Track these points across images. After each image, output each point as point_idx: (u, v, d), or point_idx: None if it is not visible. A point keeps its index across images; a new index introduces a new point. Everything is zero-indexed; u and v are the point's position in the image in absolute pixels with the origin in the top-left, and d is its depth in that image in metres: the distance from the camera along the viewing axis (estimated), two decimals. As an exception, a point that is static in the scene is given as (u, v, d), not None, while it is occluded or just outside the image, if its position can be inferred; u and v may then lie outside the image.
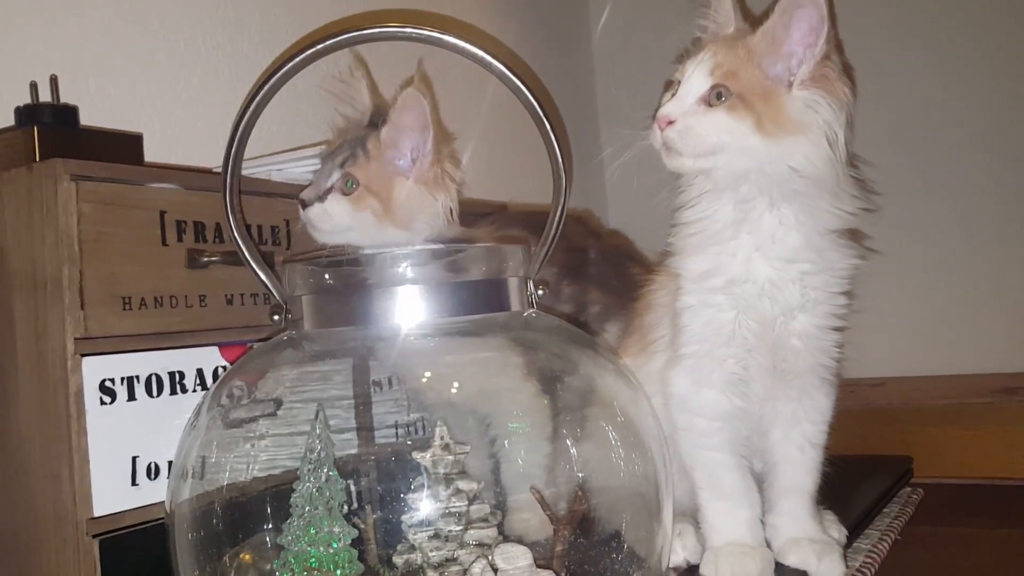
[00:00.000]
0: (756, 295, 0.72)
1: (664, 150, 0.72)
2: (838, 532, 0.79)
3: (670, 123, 0.70)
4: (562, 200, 0.64)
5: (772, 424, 0.75)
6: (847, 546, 0.80)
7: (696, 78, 0.71)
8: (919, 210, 1.48)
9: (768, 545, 0.74)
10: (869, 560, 0.79)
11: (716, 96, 0.70)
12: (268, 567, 0.67)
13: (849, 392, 1.26)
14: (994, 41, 1.45)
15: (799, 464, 0.75)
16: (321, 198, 0.78)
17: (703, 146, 0.70)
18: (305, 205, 0.78)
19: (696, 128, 0.70)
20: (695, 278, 0.74)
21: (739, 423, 0.74)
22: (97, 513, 0.67)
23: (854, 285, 0.75)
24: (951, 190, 1.46)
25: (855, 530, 0.84)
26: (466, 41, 0.60)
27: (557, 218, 0.65)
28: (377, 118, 0.83)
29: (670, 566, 0.73)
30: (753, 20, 0.77)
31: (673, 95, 0.72)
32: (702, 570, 0.72)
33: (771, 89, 0.70)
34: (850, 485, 0.96)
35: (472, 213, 0.90)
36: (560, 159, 0.63)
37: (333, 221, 0.78)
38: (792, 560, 0.72)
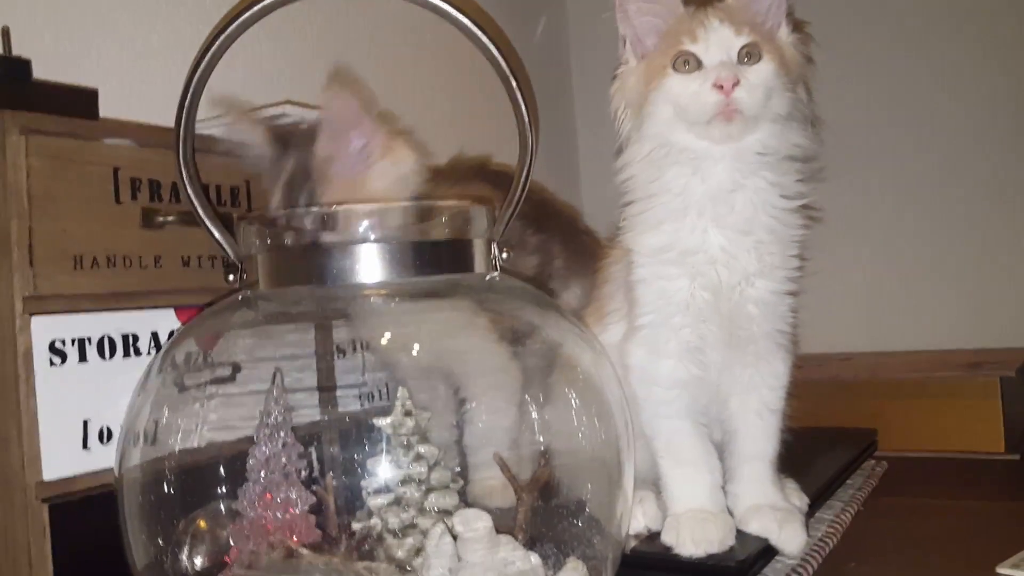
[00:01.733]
0: (709, 264, 0.72)
1: (720, 119, 0.69)
2: (800, 500, 0.79)
3: (736, 84, 0.68)
4: (528, 159, 0.63)
5: (730, 391, 0.75)
6: (810, 516, 0.80)
7: (726, 39, 0.70)
8: (886, 184, 1.49)
9: (730, 513, 0.74)
10: (831, 530, 0.79)
11: (747, 55, 0.70)
12: (224, 533, 0.66)
13: (817, 366, 1.27)
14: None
15: (758, 430, 0.75)
16: None
17: (765, 100, 0.70)
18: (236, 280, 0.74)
19: (759, 82, 0.69)
20: (649, 251, 0.74)
21: (697, 391, 0.74)
22: (47, 477, 0.66)
23: (806, 250, 0.75)
24: (919, 163, 1.46)
25: (818, 500, 0.85)
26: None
27: (523, 178, 0.64)
28: (284, 139, 0.79)
29: (631, 533, 0.73)
30: None
31: (692, 67, 0.71)
32: (663, 537, 0.72)
33: (776, 40, 0.73)
34: (815, 456, 0.96)
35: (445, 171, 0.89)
36: (527, 117, 0.62)
37: None
38: (754, 527, 0.72)
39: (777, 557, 0.72)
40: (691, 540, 0.69)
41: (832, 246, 1.40)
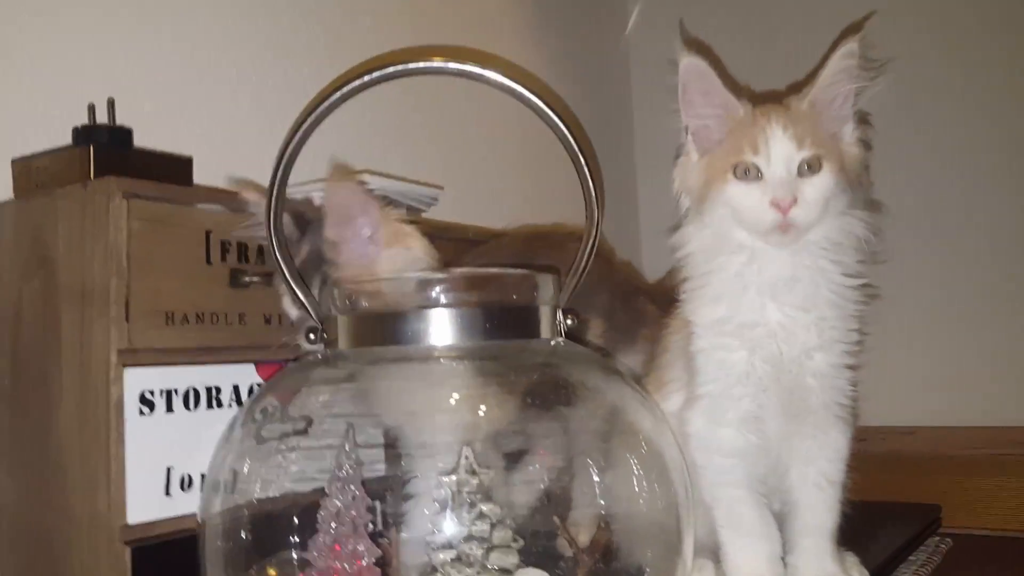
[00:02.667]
0: (768, 337, 0.73)
1: (777, 232, 0.71)
2: (859, 573, 0.78)
3: (793, 203, 0.70)
4: (594, 232, 0.66)
5: (789, 462, 0.76)
6: (869, 591, 0.79)
7: (788, 152, 0.71)
8: (951, 260, 1.48)
9: (789, 584, 0.74)
10: (893, 606, 0.78)
11: (808, 166, 0.71)
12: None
13: (880, 439, 1.26)
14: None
15: (817, 502, 0.75)
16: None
17: (819, 214, 0.71)
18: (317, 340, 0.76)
19: (817, 198, 0.71)
20: (707, 325, 0.75)
21: (756, 460, 0.75)
22: (131, 521, 0.69)
23: (865, 324, 0.76)
24: (985, 241, 1.46)
25: (878, 575, 0.83)
26: (504, 76, 0.63)
27: (588, 249, 0.67)
28: (302, 223, 0.80)
29: (690, 600, 0.73)
30: (738, 85, 0.79)
31: (753, 176, 0.72)
32: (718, 604, 0.72)
33: (839, 144, 0.74)
34: (877, 531, 0.95)
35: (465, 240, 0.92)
36: (593, 191, 0.65)
37: None
38: (813, 599, 0.72)
39: (837, 630, 0.72)
40: (750, 609, 0.69)
41: (896, 319, 1.41)
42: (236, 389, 0.77)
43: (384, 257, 0.78)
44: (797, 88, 0.77)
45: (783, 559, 0.75)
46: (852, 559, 0.80)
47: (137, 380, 0.70)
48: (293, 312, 0.78)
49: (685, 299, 0.77)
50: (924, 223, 1.48)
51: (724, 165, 0.73)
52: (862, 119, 0.77)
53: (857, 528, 0.81)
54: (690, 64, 0.74)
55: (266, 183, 0.83)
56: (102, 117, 0.82)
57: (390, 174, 0.96)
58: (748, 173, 0.72)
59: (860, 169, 0.75)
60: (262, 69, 1.07)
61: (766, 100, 0.77)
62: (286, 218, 0.79)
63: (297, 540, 0.67)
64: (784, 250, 0.72)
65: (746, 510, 0.74)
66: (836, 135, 0.74)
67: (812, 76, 0.76)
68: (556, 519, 0.71)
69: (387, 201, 0.85)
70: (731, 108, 0.75)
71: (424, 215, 1.02)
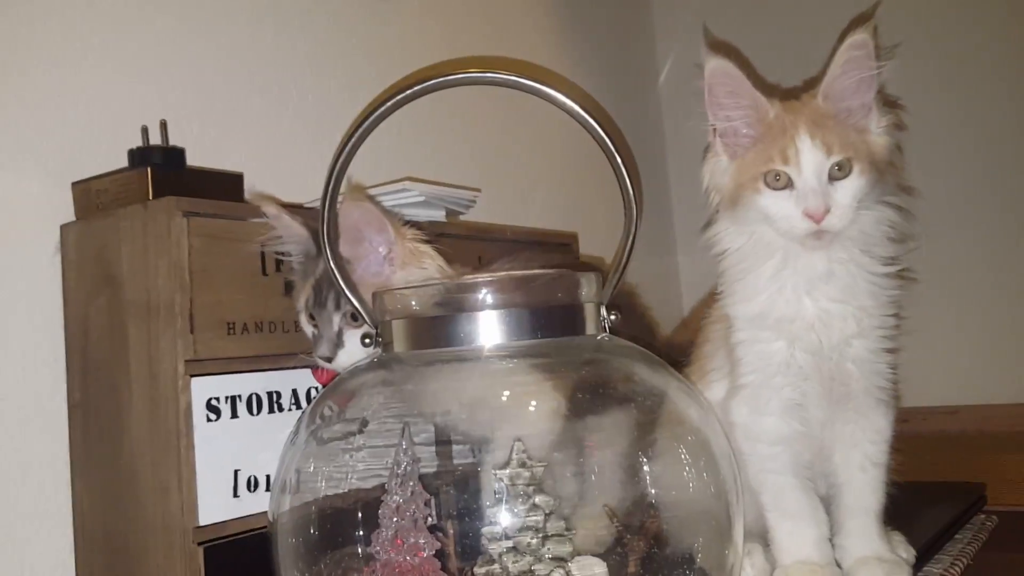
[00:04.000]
0: (806, 329, 0.74)
1: (811, 238, 0.72)
2: (906, 552, 0.80)
3: (827, 212, 0.71)
4: (633, 227, 0.68)
5: (833, 446, 0.77)
6: (917, 569, 0.80)
7: (817, 161, 0.72)
8: (995, 238, 1.48)
9: (838, 565, 0.76)
10: (940, 584, 0.79)
11: (838, 169, 0.72)
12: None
13: (922, 419, 1.26)
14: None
15: (862, 484, 0.77)
16: (339, 345, 0.79)
17: (851, 216, 0.72)
18: (331, 360, 0.79)
19: (849, 203, 0.72)
20: (742, 316, 0.77)
21: (800, 447, 0.77)
22: (202, 522, 0.73)
23: (902, 308, 0.77)
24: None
25: (926, 554, 0.85)
26: (544, 84, 0.65)
27: (628, 247, 0.69)
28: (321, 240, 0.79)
29: (740, 583, 0.75)
30: (765, 85, 0.80)
31: (783, 183, 0.73)
32: (772, 588, 0.74)
33: (865, 137, 0.74)
34: (921, 510, 0.96)
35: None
36: (632, 192, 0.67)
37: (361, 354, 0.76)
38: (861, 579, 0.74)
39: (886, 609, 0.73)
40: (799, 591, 0.71)
41: (937, 299, 1.41)
42: (295, 393, 0.81)
43: (399, 276, 0.80)
44: (813, 83, 0.77)
45: (830, 541, 0.77)
46: (899, 538, 0.81)
47: (203, 388, 0.74)
48: (309, 329, 0.80)
49: (723, 293, 0.79)
50: (962, 201, 1.48)
51: (755, 172, 0.74)
52: (890, 103, 0.77)
53: (903, 508, 0.82)
54: (716, 66, 0.74)
55: (306, 196, 0.87)
56: (155, 138, 0.86)
57: (429, 180, 0.99)
58: (779, 180, 0.73)
59: (890, 156, 0.75)
60: (302, 85, 1.11)
61: (787, 97, 0.78)
62: (305, 233, 0.80)
63: (361, 535, 0.71)
64: (817, 251, 0.74)
65: (792, 495, 0.76)
66: (861, 128, 0.74)
67: (824, 71, 0.76)
68: (606, 508, 0.73)
69: (404, 220, 0.86)
70: (760, 108, 0.75)
71: (462, 217, 1.04)
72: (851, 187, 0.72)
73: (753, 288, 0.76)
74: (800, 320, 0.74)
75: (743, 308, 0.77)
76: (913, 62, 1.42)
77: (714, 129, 0.78)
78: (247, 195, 0.87)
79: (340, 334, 0.78)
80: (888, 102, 0.77)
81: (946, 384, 1.44)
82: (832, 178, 0.72)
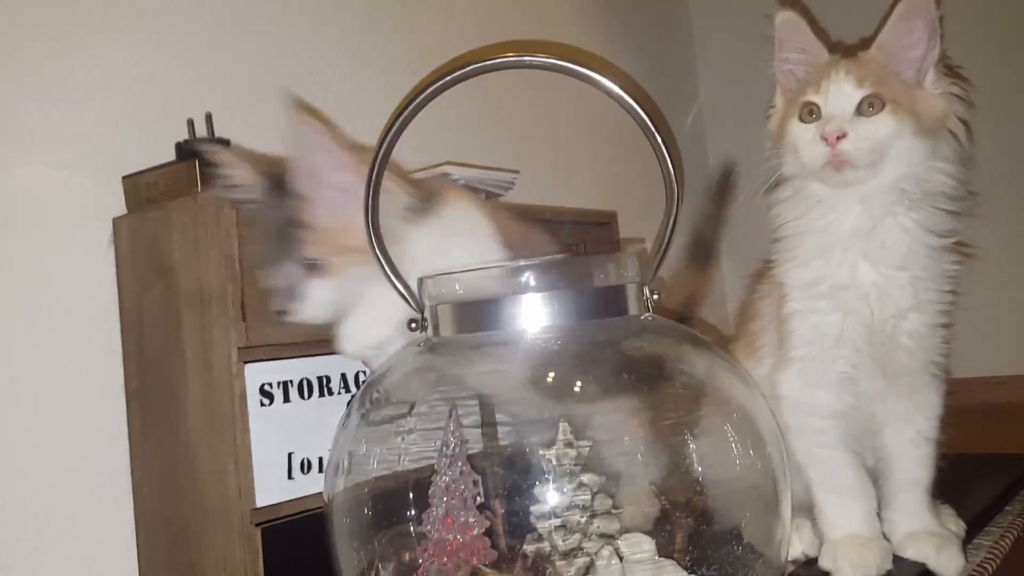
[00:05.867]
0: (861, 299, 0.74)
1: (830, 168, 0.73)
2: (956, 526, 0.80)
3: (841, 137, 0.72)
4: (675, 211, 0.68)
5: (884, 421, 0.77)
6: (967, 541, 0.80)
7: (845, 91, 0.73)
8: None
9: (886, 539, 0.76)
10: (990, 556, 0.79)
11: (869, 106, 0.72)
12: (411, 553, 0.73)
13: (969, 391, 1.24)
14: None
15: (913, 459, 0.77)
16: (299, 297, 0.74)
17: (876, 153, 0.72)
18: (291, 315, 0.74)
19: (871, 136, 0.72)
20: (799, 286, 0.77)
21: (851, 421, 0.77)
22: (259, 504, 0.75)
23: (959, 284, 0.76)
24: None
25: (975, 526, 0.84)
26: (584, 67, 0.65)
27: (671, 227, 0.69)
28: (275, 181, 0.75)
29: (789, 559, 0.76)
30: (831, 43, 0.80)
31: (815, 116, 0.74)
32: (821, 562, 0.74)
33: (913, 91, 0.73)
34: (970, 483, 0.95)
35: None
36: (673, 173, 0.67)
37: (327, 306, 0.74)
38: (911, 553, 0.74)
39: (936, 581, 0.74)
40: (849, 565, 0.72)
41: (983, 268, 1.38)
42: (344, 377, 0.82)
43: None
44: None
45: (879, 515, 0.77)
46: (948, 512, 0.81)
47: (256, 374, 0.76)
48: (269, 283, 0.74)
49: (778, 262, 0.79)
50: (1010, 170, 1.45)
51: (793, 109, 0.76)
52: (953, 73, 0.77)
53: (951, 481, 0.82)
54: (784, 18, 0.78)
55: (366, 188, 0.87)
56: (200, 130, 0.87)
57: (469, 163, 1.00)
58: (812, 114, 0.74)
59: (943, 119, 0.74)
60: (339, 73, 1.12)
61: (850, 52, 0.78)
62: (259, 179, 0.74)
63: (412, 514, 0.72)
64: (852, 196, 0.73)
65: (841, 469, 0.76)
66: (910, 82, 0.74)
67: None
68: (652, 486, 0.74)
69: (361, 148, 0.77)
70: (817, 54, 0.77)
71: (501, 199, 1.05)
72: (876, 124, 0.72)
73: (808, 253, 0.76)
74: (855, 288, 0.74)
75: (798, 274, 0.76)
76: (971, 28, 1.40)
77: (777, 82, 0.80)
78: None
79: (299, 286, 0.73)
80: (952, 72, 0.76)
81: (994, 355, 1.41)
82: (863, 113, 0.72)
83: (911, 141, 0.72)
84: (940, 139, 0.73)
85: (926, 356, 0.75)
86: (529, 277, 0.67)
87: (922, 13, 0.72)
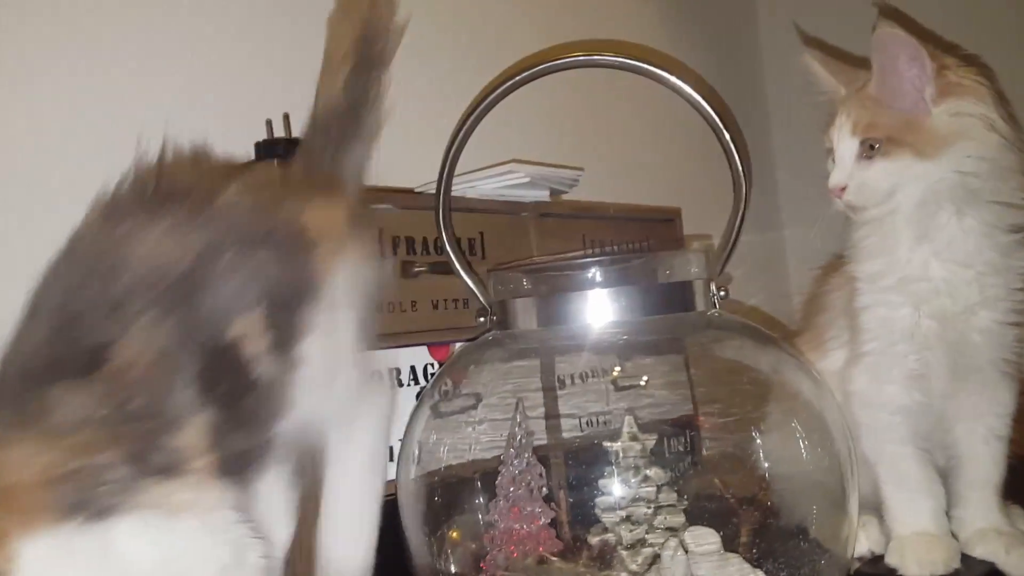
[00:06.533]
0: (932, 293, 0.74)
1: (849, 210, 0.78)
2: (1027, 526, 0.79)
3: (843, 190, 0.76)
4: (742, 207, 0.69)
5: (955, 418, 0.77)
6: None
7: (844, 142, 0.77)
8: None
9: (955, 537, 0.75)
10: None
11: (869, 148, 0.75)
12: (475, 544, 0.75)
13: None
14: None
15: (984, 457, 0.76)
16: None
17: (879, 195, 0.75)
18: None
19: (867, 184, 0.76)
20: (869, 278, 0.77)
21: (920, 417, 0.76)
22: (333, 490, 0.78)
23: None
24: None
25: (1048, 528, 0.83)
26: (653, 65, 0.66)
27: (738, 224, 0.70)
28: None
29: (855, 555, 0.76)
30: (851, 60, 0.82)
31: (832, 159, 0.79)
32: (887, 559, 0.74)
33: (912, 119, 0.74)
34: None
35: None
36: (741, 169, 0.68)
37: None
38: (980, 551, 0.73)
39: (1004, 580, 0.73)
40: (916, 562, 0.71)
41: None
42: (413, 369, 0.85)
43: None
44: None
45: (948, 514, 0.76)
46: (1019, 511, 0.80)
47: (331, 365, 0.78)
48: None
49: (851, 255, 0.79)
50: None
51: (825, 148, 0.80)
52: (971, 68, 0.76)
53: (1021, 482, 0.81)
54: (806, 59, 0.83)
55: (420, 180, 0.90)
56: (278, 131, 0.90)
57: (534, 160, 1.01)
58: (831, 159, 0.79)
59: (956, 137, 0.73)
60: (409, 73, 1.14)
61: None
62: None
63: (480, 503, 0.75)
64: (909, 195, 0.74)
65: (910, 466, 0.76)
66: (911, 110, 0.74)
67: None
68: (717, 481, 0.75)
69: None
70: (834, 91, 0.81)
71: (565, 196, 1.06)
72: (874, 171, 0.75)
73: (880, 247, 0.76)
74: (925, 283, 0.74)
75: (869, 266, 0.77)
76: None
77: None
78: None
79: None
80: (968, 66, 0.75)
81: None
82: (868, 156, 0.75)
83: (915, 169, 0.73)
84: (959, 145, 0.73)
85: (997, 353, 0.75)
86: (596, 273, 0.69)
87: (896, 46, 0.73)
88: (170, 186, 0.60)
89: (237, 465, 0.53)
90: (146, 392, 0.50)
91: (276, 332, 0.56)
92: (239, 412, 0.54)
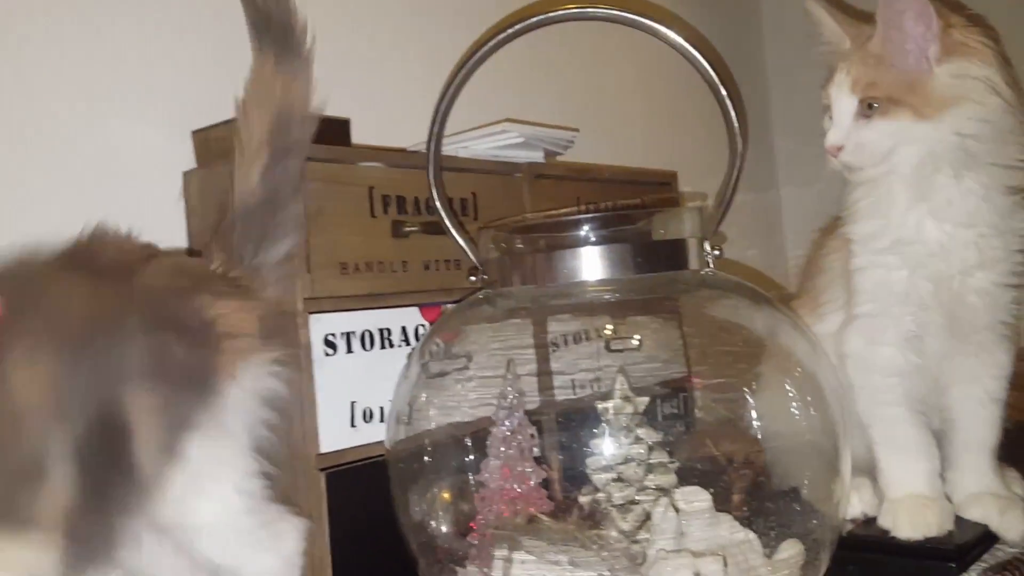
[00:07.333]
0: (928, 255, 0.73)
1: (845, 171, 0.77)
2: (1021, 489, 0.78)
3: (839, 149, 0.75)
4: (739, 164, 0.68)
5: (951, 381, 0.76)
6: (1032, 506, 0.79)
7: (843, 99, 0.76)
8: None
9: (948, 500, 0.75)
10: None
11: (868, 107, 0.74)
12: (466, 504, 0.75)
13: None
14: None
15: (980, 419, 0.76)
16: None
17: (877, 155, 0.74)
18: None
19: (864, 144, 0.75)
20: (864, 240, 0.76)
21: (916, 379, 0.76)
22: (323, 450, 0.77)
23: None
24: None
25: (1042, 492, 0.83)
26: (648, 18, 0.65)
27: (734, 181, 0.69)
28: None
29: (848, 517, 0.75)
30: (857, 15, 0.80)
31: (830, 117, 0.78)
32: (880, 521, 0.74)
33: (914, 79, 0.73)
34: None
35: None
36: (737, 126, 0.66)
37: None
38: (973, 514, 0.73)
39: (997, 544, 0.73)
40: (909, 524, 0.71)
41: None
42: (404, 330, 0.84)
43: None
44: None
45: (941, 476, 0.76)
46: (1013, 474, 0.80)
47: (321, 325, 0.77)
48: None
49: (848, 216, 0.78)
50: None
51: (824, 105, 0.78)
52: (975, 28, 0.74)
53: (1018, 446, 0.80)
54: (809, 7, 0.81)
55: (411, 139, 0.89)
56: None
57: (528, 120, 0.99)
58: (829, 116, 0.78)
59: (958, 99, 0.72)
60: (407, 30, 1.13)
61: None
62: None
63: (471, 462, 0.74)
64: (909, 156, 0.73)
65: (904, 428, 0.75)
66: (913, 70, 0.73)
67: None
68: (708, 442, 0.74)
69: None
70: (838, 43, 0.79)
71: (560, 158, 1.05)
72: (873, 131, 0.74)
73: (876, 208, 0.76)
74: (921, 244, 0.73)
75: (865, 227, 0.76)
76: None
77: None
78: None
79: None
80: (973, 27, 0.74)
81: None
82: (866, 116, 0.74)
83: (914, 130, 0.72)
84: (960, 107, 0.72)
85: (994, 315, 0.74)
86: (589, 230, 0.67)
87: (904, 1, 0.72)
88: (95, 257, 0.60)
89: (88, 544, 0.50)
90: (23, 427, 0.48)
91: (163, 418, 0.54)
92: (106, 487, 0.51)
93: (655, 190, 1.10)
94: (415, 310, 0.85)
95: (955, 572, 0.68)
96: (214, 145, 0.87)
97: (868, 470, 0.79)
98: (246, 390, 0.60)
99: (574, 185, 1.01)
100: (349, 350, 0.79)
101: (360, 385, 0.80)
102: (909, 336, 0.74)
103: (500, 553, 0.67)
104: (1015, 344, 0.77)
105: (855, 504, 0.78)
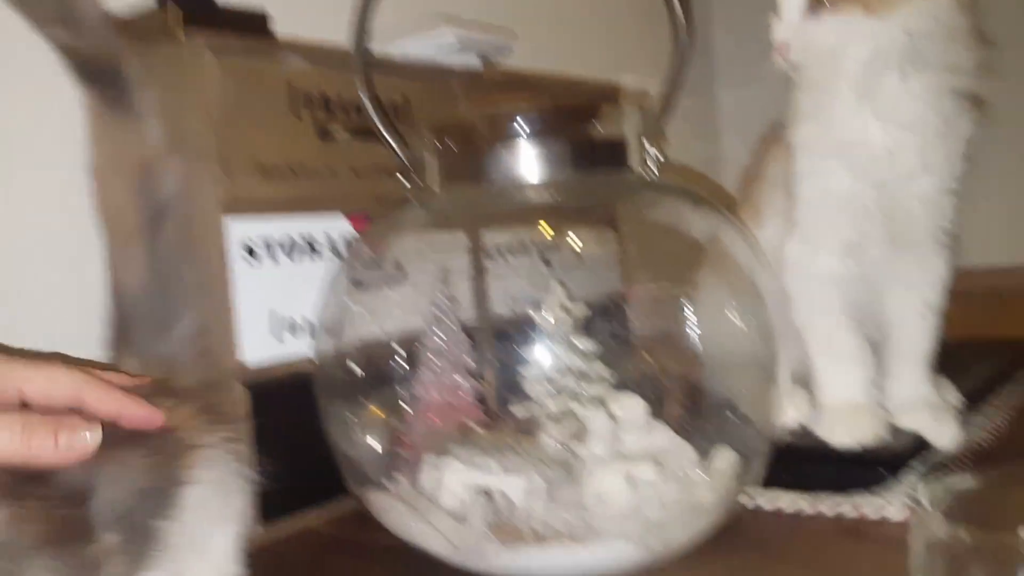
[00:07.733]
0: (870, 159, 0.71)
1: (790, 70, 0.73)
2: (954, 399, 0.79)
3: (787, 47, 0.72)
4: (684, 56, 0.64)
5: (889, 289, 0.75)
6: (963, 415, 0.79)
7: None
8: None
9: (884, 408, 0.75)
10: (986, 430, 0.79)
11: (816, 2, 0.70)
12: (396, 418, 0.72)
13: (982, 277, 1.22)
14: None
15: (917, 328, 0.75)
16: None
17: (825, 53, 0.71)
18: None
19: (813, 41, 0.71)
20: (806, 143, 0.74)
21: (853, 287, 0.75)
22: (246, 364, 0.74)
23: (975, 150, 0.73)
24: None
25: (974, 403, 0.83)
26: None
27: (677, 76, 0.65)
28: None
29: (783, 427, 0.75)
30: None
31: (776, 16, 0.73)
32: (816, 430, 0.73)
33: None
34: (971, 364, 0.94)
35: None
36: (680, 12, 0.63)
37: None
38: (907, 421, 0.73)
39: (930, 451, 0.73)
40: (844, 432, 0.71)
41: (1001, 153, 1.33)
42: (330, 238, 0.80)
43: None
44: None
45: (878, 385, 0.76)
46: (946, 384, 0.80)
47: (240, 231, 0.73)
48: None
49: (789, 119, 0.76)
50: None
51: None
52: None
53: (953, 361, 0.80)
54: None
55: (343, 36, 0.83)
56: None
57: (462, 19, 0.94)
58: (776, 12, 0.73)
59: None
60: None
61: None
62: None
63: (402, 376, 0.71)
64: (855, 54, 0.70)
65: (841, 336, 0.74)
66: None
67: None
68: (645, 353, 0.73)
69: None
70: None
71: (497, 66, 1.00)
72: (829, 24, 0.70)
73: (820, 109, 0.73)
74: (864, 146, 0.71)
75: (806, 130, 0.74)
76: None
77: None
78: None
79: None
80: None
81: (1006, 242, 1.38)
82: (812, 11, 0.71)
83: (863, 26, 0.69)
84: (910, 3, 0.69)
85: (936, 222, 0.73)
86: (523, 124, 0.64)
87: None
88: None
89: None
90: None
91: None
92: None
93: (599, 99, 1.07)
94: (343, 218, 0.81)
95: (888, 479, 0.68)
96: (122, 34, 0.80)
97: (803, 380, 0.78)
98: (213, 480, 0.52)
99: (514, 95, 0.97)
100: (272, 258, 0.75)
101: (284, 295, 0.76)
102: (849, 243, 0.73)
103: (429, 460, 0.64)
104: (953, 253, 0.76)
105: (791, 414, 0.77)
